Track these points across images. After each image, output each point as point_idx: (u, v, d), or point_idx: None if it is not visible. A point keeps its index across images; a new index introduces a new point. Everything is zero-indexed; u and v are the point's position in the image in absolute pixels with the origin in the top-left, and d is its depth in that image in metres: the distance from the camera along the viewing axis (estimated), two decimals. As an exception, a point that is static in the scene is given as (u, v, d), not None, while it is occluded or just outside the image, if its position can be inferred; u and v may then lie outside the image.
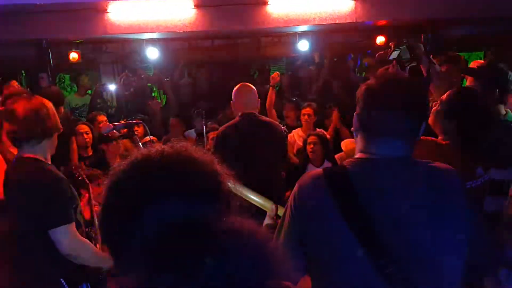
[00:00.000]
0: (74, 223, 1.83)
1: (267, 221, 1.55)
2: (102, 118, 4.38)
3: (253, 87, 3.17)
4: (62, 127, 1.96)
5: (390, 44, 2.76)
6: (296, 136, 4.60)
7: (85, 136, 3.89)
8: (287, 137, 3.79)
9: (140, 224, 0.73)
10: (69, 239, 1.81)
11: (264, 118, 3.25)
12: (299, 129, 4.66)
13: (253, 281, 0.67)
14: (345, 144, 4.23)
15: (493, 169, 1.96)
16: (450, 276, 1.11)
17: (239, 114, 3.06)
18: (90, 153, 3.94)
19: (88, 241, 1.91)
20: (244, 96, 3.11)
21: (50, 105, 1.89)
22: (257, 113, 3.13)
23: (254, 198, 1.88)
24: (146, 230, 0.72)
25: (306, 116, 4.52)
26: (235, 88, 3.15)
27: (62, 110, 3.78)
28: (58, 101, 3.31)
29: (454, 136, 1.84)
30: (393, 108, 1.16)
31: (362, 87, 1.23)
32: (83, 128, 3.94)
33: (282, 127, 3.44)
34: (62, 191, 1.82)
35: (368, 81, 1.24)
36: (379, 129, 1.18)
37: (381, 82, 1.21)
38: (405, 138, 1.19)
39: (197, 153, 0.82)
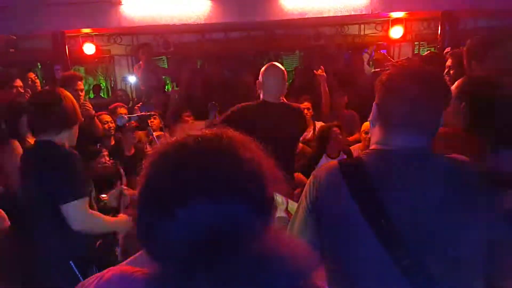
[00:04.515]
0: (86, 199, 1.81)
1: (278, 213, 1.56)
2: (123, 110, 4.36)
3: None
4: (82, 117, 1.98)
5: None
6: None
7: (108, 125, 3.95)
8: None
9: (172, 226, 0.65)
10: (80, 214, 1.78)
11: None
12: None
13: None
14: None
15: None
16: (468, 270, 1.09)
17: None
18: (113, 143, 4.00)
19: (100, 214, 1.89)
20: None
21: (70, 97, 1.90)
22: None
23: None
24: (177, 234, 0.65)
25: (305, 110, 4.45)
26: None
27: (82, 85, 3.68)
28: (70, 83, 3.36)
29: (467, 120, 1.81)
30: (414, 98, 1.14)
31: (383, 77, 1.20)
32: (107, 118, 4.00)
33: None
34: (74, 166, 1.81)
35: (389, 71, 1.21)
36: (399, 120, 1.16)
37: (403, 72, 1.19)
38: (424, 129, 1.17)
39: (242, 147, 0.69)
